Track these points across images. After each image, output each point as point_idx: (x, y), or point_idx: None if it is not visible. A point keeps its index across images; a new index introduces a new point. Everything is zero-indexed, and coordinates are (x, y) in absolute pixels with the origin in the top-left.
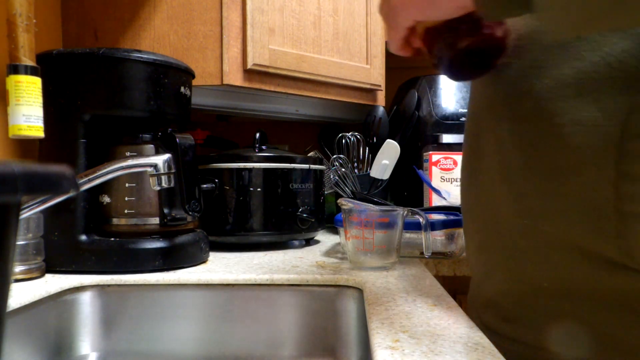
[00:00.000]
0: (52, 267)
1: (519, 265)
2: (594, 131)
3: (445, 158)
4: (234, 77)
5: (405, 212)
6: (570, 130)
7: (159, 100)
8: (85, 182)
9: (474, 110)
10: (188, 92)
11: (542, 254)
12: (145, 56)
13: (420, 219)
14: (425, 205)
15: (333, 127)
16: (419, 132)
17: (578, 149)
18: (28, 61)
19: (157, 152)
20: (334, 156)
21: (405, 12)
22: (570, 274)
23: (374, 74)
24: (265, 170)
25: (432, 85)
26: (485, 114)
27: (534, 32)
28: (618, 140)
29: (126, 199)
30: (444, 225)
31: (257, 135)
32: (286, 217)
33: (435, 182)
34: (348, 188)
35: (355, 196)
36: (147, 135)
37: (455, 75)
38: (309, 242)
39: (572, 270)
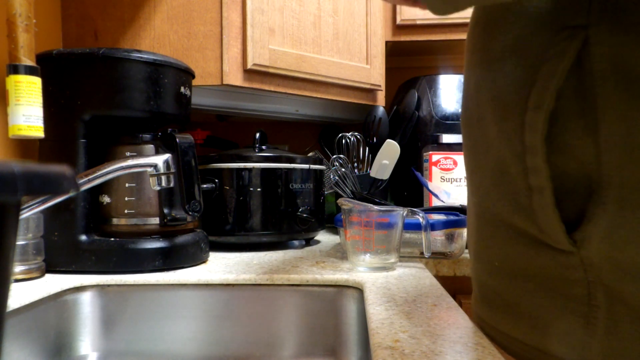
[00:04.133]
0: (52, 267)
1: (477, 244)
2: (502, 104)
3: (445, 158)
4: (234, 77)
5: (405, 212)
6: (486, 103)
7: (159, 100)
8: (85, 182)
9: None
10: (188, 92)
11: (489, 232)
12: (145, 56)
13: (420, 219)
14: (425, 205)
15: (333, 127)
16: (419, 132)
17: (494, 122)
18: (28, 61)
19: (157, 152)
20: (334, 156)
21: None
22: (512, 253)
23: (374, 74)
24: (265, 170)
25: (432, 85)
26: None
27: None
28: (521, 112)
29: (126, 199)
30: (444, 225)
31: (257, 135)
32: (286, 217)
33: (435, 182)
34: (348, 188)
35: (355, 196)
36: (147, 135)
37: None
38: (309, 242)
39: (511, 248)
